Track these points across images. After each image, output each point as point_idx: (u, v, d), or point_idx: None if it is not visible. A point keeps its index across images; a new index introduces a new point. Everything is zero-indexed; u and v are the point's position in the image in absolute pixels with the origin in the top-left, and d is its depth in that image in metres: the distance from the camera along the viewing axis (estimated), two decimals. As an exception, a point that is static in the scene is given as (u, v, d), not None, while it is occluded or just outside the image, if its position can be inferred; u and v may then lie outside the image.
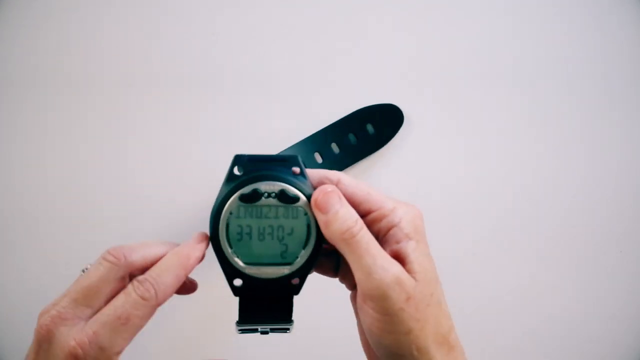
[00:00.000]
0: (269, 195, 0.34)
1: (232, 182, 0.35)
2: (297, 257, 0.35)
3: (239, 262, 0.35)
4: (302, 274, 0.35)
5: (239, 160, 0.35)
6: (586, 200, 0.60)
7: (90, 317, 0.32)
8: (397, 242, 0.34)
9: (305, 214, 0.35)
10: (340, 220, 0.33)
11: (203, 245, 0.35)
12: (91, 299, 0.32)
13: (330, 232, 0.34)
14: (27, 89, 0.57)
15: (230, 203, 0.34)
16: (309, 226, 0.35)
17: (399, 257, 0.34)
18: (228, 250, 0.35)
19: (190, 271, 0.34)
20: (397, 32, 0.59)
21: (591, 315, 0.60)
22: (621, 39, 0.60)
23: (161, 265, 0.33)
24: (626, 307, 0.60)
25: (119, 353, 0.32)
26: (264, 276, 0.35)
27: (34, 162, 0.57)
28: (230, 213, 0.35)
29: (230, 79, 0.58)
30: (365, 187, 0.36)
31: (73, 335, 0.31)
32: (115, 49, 0.58)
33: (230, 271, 0.35)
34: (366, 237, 0.33)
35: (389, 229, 0.35)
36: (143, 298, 0.32)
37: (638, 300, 0.60)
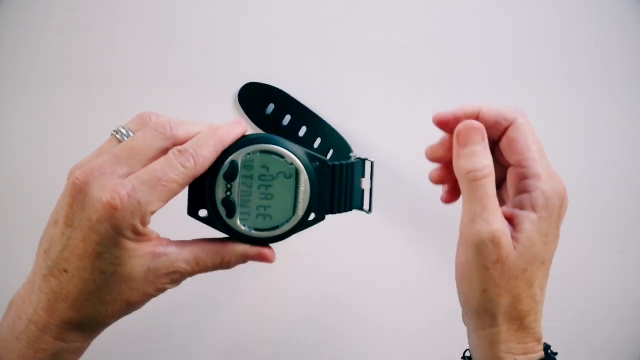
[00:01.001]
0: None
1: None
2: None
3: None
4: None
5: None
6: (585, 200, 0.60)
7: (127, 176, 0.32)
8: (521, 208, 0.34)
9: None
10: (472, 160, 0.33)
11: (240, 129, 0.35)
12: (132, 160, 0.32)
13: (458, 167, 0.34)
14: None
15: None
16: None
17: (513, 222, 0.34)
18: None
19: (226, 146, 0.34)
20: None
21: (591, 314, 0.60)
22: (622, 23, 0.60)
23: (201, 137, 0.33)
24: (626, 306, 0.60)
25: (153, 212, 0.32)
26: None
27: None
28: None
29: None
30: (531, 140, 0.35)
31: (112, 187, 0.31)
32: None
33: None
34: (487, 186, 0.33)
35: (523, 192, 0.34)
36: (183, 166, 0.32)
37: (638, 301, 0.60)
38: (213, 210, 0.35)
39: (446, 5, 0.60)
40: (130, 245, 0.32)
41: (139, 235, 0.32)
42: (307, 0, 0.59)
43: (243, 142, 0.35)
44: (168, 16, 0.59)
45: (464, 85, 0.60)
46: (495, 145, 0.36)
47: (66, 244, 0.32)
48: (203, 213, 0.36)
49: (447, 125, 0.35)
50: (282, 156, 0.35)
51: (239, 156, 0.34)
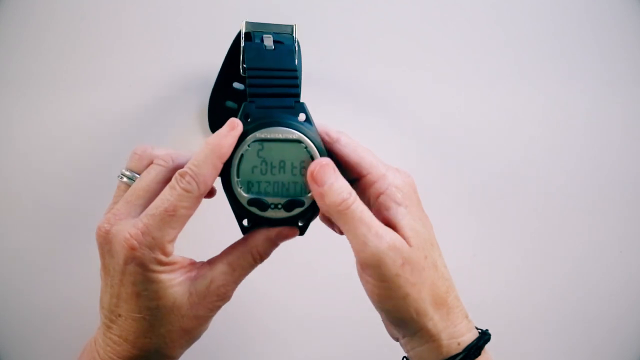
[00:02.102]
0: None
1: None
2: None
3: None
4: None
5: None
6: (586, 199, 0.60)
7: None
8: (387, 209, 0.35)
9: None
10: (335, 193, 0.34)
11: (235, 132, 0.35)
12: (142, 199, 0.35)
13: (326, 204, 0.35)
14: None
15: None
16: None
17: (390, 224, 0.35)
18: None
19: (225, 159, 0.35)
20: None
21: (591, 314, 0.60)
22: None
23: (198, 157, 0.34)
24: (626, 306, 0.60)
25: (171, 241, 0.34)
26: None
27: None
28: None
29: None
30: (361, 150, 0.37)
31: (127, 230, 0.33)
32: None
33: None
34: (360, 207, 0.34)
35: (378, 195, 0.36)
36: (186, 190, 0.34)
37: (638, 301, 0.60)
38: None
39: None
40: (162, 277, 0.34)
41: (167, 265, 0.34)
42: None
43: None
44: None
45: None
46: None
47: (111, 292, 0.35)
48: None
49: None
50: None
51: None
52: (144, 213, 0.34)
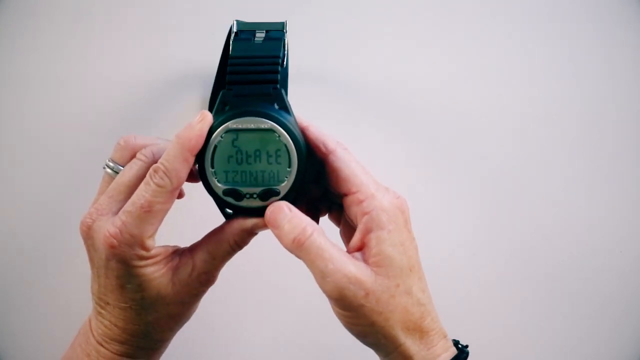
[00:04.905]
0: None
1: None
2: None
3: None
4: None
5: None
6: (586, 199, 0.60)
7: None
8: (368, 231, 0.35)
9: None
10: (288, 233, 0.35)
11: (202, 124, 0.35)
12: (123, 195, 0.36)
13: (285, 244, 0.35)
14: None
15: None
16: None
17: (365, 247, 0.35)
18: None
19: (196, 151, 0.35)
20: None
21: (591, 314, 0.60)
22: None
23: (169, 152, 0.35)
24: (626, 306, 0.60)
25: (150, 237, 0.35)
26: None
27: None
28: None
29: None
30: (354, 166, 0.37)
31: (107, 228, 0.34)
32: None
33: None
34: (317, 241, 0.34)
35: (363, 215, 0.36)
36: (159, 186, 0.34)
37: (638, 301, 0.60)
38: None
39: None
40: (144, 271, 0.35)
41: (148, 259, 0.35)
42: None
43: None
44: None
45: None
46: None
47: (99, 282, 0.36)
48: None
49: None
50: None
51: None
52: (121, 210, 0.34)
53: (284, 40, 0.39)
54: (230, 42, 0.39)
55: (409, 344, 0.35)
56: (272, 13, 0.59)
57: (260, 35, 0.39)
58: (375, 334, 0.34)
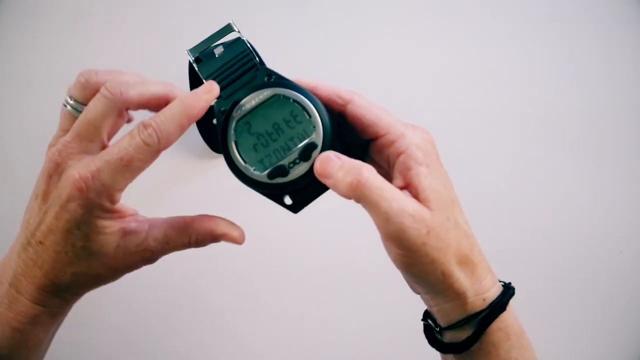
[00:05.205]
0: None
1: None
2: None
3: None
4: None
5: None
6: (586, 199, 0.60)
7: (97, 151, 0.34)
8: (408, 170, 0.34)
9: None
10: (343, 179, 0.33)
11: (210, 95, 0.35)
12: (93, 134, 0.34)
13: (342, 191, 0.34)
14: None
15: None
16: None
17: (410, 186, 0.34)
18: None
19: (194, 120, 0.34)
20: None
21: (591, 314, 0.60)
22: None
23: (166, 112, 0.33)
24: (626, 306, 0.60)
25: (120, 191, 0.33)
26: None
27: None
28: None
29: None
30: (376, 110, 0.36)
31: (78, 170, 0.32)
32: None
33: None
34: (376, 182, 0.33)
35: (398, 155, 0.35)
36: (146, 143, 0.32)
37: (638, 300, 0.60)
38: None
39: None
40: (100, 222, 0.33)
41: (110, 213, 0.34)
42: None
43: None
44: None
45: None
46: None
47: (42, 218, 0.34)
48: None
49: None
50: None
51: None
52: (98, 156, 0.33)
53: (242, 37, 0.39)
54: (197, 70, 0.38)
55: (462, 278, 0.34)
56: (272, 13, 0.59)
57: (219, 49, 0.39)
58: (434, 272, 0.34)
